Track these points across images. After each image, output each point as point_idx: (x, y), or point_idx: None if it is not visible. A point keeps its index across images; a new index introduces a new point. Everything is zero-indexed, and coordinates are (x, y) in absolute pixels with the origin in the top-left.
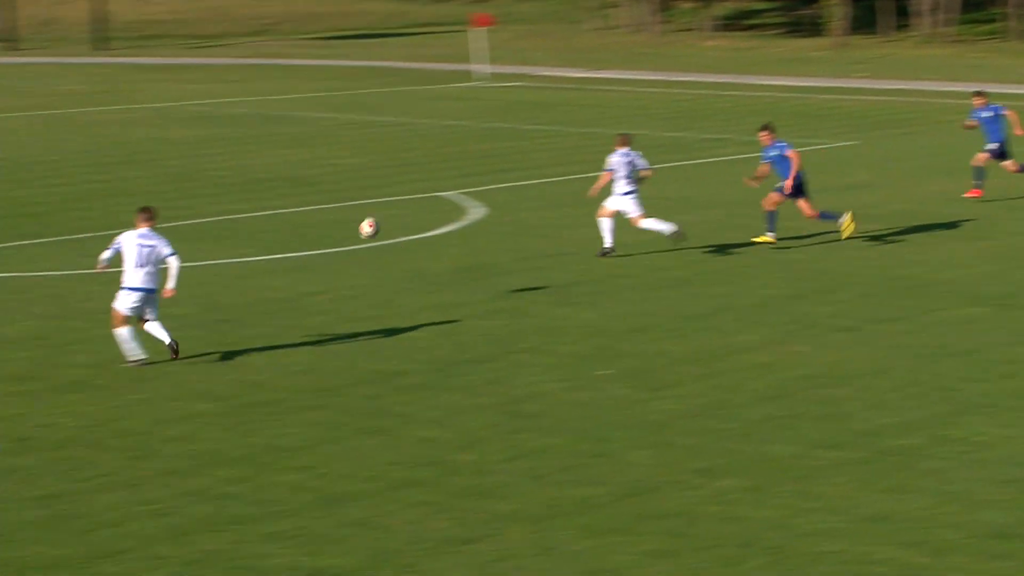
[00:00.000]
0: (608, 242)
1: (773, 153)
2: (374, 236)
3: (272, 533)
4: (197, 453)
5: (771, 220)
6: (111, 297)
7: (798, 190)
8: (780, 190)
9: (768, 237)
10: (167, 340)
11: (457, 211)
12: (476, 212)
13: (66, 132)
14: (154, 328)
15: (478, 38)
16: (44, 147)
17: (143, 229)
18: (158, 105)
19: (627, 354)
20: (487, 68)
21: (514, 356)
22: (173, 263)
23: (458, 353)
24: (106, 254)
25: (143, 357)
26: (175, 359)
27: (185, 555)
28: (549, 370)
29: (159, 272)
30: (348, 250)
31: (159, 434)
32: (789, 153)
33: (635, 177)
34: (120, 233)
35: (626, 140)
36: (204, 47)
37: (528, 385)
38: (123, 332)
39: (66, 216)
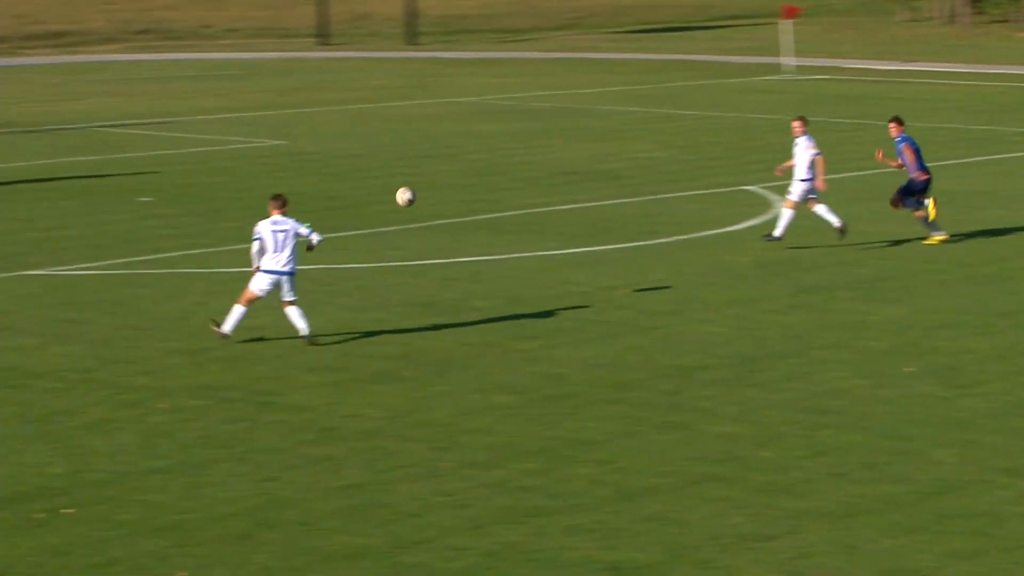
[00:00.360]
0: (837, 223)
1: (899, 143)
2: (412, 203)
3: (570, 526)
4: (497, 445)
5: (928, 224)
6: (416, 290)
7: (912, 190)
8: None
9: (937, 237)
10: (304, 331)
11: (761, 205)
12: (780, 206)
13: (375, 126)
14: (293, 313)
15: (787, 30)
16: (354, 141)
17: (276, 216)
18: (465, 99)
19: (932, 351)
20: (794, 60)
21: (815, 352)
22: (316, 238)
23: (758, 348)
24: (254, 249)
25: (227, 334)
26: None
27: (484, 547)
28: (851, 366)
29: (298, 257)
30: (649, 244)
31: (460, 426)
32: (904, 148)
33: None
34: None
35: (805, 122)
36: (512, 41)
37: (829, 381)
38: (240, 309)
39: (374, 209)
